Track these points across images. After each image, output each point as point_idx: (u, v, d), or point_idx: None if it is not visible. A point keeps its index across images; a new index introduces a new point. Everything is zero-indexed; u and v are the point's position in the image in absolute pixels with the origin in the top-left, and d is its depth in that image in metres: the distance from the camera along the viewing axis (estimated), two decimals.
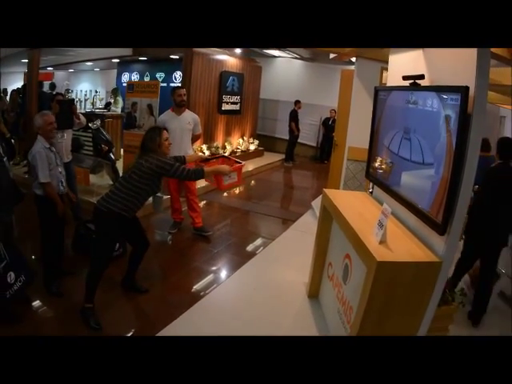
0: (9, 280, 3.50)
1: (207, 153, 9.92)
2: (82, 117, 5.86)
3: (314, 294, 4.31)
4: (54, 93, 13.17)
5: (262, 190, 9.48)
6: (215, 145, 10.43)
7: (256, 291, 4.38)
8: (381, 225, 2.78)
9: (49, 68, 16.27)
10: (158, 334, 3.50)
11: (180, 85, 9.57)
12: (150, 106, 7.36)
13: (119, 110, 10.96)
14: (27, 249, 5.10)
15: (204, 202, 7.82)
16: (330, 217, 3.93)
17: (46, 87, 11.55)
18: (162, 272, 5.04)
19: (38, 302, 4.04)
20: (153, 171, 3.66)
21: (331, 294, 3.81)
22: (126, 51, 10.57)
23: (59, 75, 18.65)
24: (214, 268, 5.04)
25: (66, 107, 5.61)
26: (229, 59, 10.79)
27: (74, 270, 4.61)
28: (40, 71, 13.61)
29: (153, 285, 4.49)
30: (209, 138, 10.41)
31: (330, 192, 3.99)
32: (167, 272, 5.00)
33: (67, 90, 13.99)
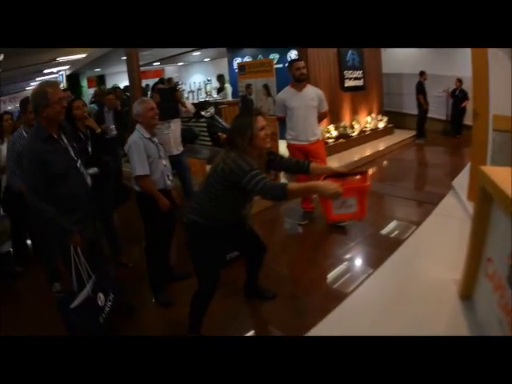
0: (100, 303, 3.01)
1: (335, 133, 9.10)
2: (188, 104, 5.38)
3: (467, 294, 3.29)
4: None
5: (396, 170, 8.37)
6: (342, 124, 9.50)
7: (400, 292, 3.51)
8: None
9: (155, 63, 16.52)
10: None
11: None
12: (266, 86, 6.69)
13: (229, 97, 10.48)
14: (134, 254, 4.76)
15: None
16: (489, 200, 2.93)
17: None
18: (292, 271, 4.35)
19: (143, 312, 3.65)
20: (226, 176, 2.71)
21: (490, 297, 2.78)
22: None
23: (169, 70, 19.35)
24: (351, 264, 4.22)
25: (168, 95, 5.18)
26: None
27: (187, 273, 3.97)
28: (148, 68, 13.63)
29: (281, 286, 3.81)
30: (335, 117, 9.46)
31: (488, 170, 2.96)
32: (297, 271, 4.29)
33: (176, 83, 13.77)
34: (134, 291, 3.92)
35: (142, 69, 17.73)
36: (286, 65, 10.23)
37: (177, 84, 13.21)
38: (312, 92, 5.04)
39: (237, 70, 8.31)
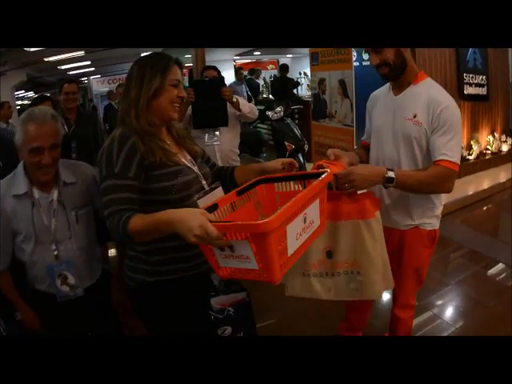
0: None
1: None
2: (246, 106, 3.72)
3: None
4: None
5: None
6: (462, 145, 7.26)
7: None
8: None
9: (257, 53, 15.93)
10: None
11: None
12: (342, 83, 4.83)
13: None
14: None
15: None
16: None
17: None
18: None
19: None
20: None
21: None
22: None
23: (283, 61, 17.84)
24: None
25: (208, 91, 3.49)
26: None
27: None
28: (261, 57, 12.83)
29: None
30: None
31: None
32: None
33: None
34: None
35: (249, 58, 16.98)
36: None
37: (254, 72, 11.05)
38: (420, 98, 2.12)
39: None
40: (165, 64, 1.73)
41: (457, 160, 2.03)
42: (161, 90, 1.71)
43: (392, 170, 1.98)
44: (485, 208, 6.22)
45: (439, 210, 2.33)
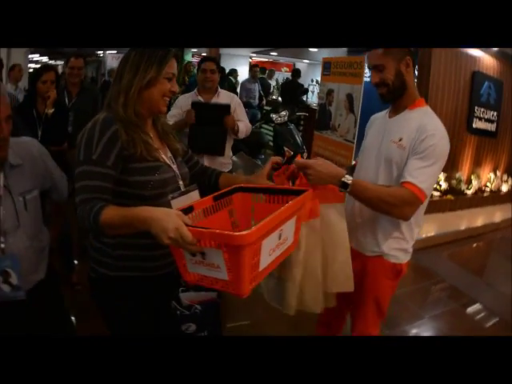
0: None
1: (444, 186, 6.77)
2: (243, 130, 3.51)
3: None
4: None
5: (503, 258, 5.68)
6: (457, 176, 7.17)
7: None
8: None
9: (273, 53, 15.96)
10: None
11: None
12: (349, 97, 4.75)
13: None
14: None
15: None
16: None
17: None
18: None
19: None
20: None
21: None
22: None
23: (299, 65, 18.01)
24: None
25: (211, 116, 3.28)
26: (483, 56, 7.21)
27: None
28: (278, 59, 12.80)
29: None
30: (451, 164, 7.02)
31: None
32: None
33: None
34: None
35: (266, 57, 16.93)
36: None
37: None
38: (411, 124, 2.02)
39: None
40: (163, 55, 1.67)
41: (425, 188, 1.88)
42: (155, 81, 1.66)
43: (352, 177, 1.85)
44: (474, 245, 6.13)
45: (409, 244, 2.18)
